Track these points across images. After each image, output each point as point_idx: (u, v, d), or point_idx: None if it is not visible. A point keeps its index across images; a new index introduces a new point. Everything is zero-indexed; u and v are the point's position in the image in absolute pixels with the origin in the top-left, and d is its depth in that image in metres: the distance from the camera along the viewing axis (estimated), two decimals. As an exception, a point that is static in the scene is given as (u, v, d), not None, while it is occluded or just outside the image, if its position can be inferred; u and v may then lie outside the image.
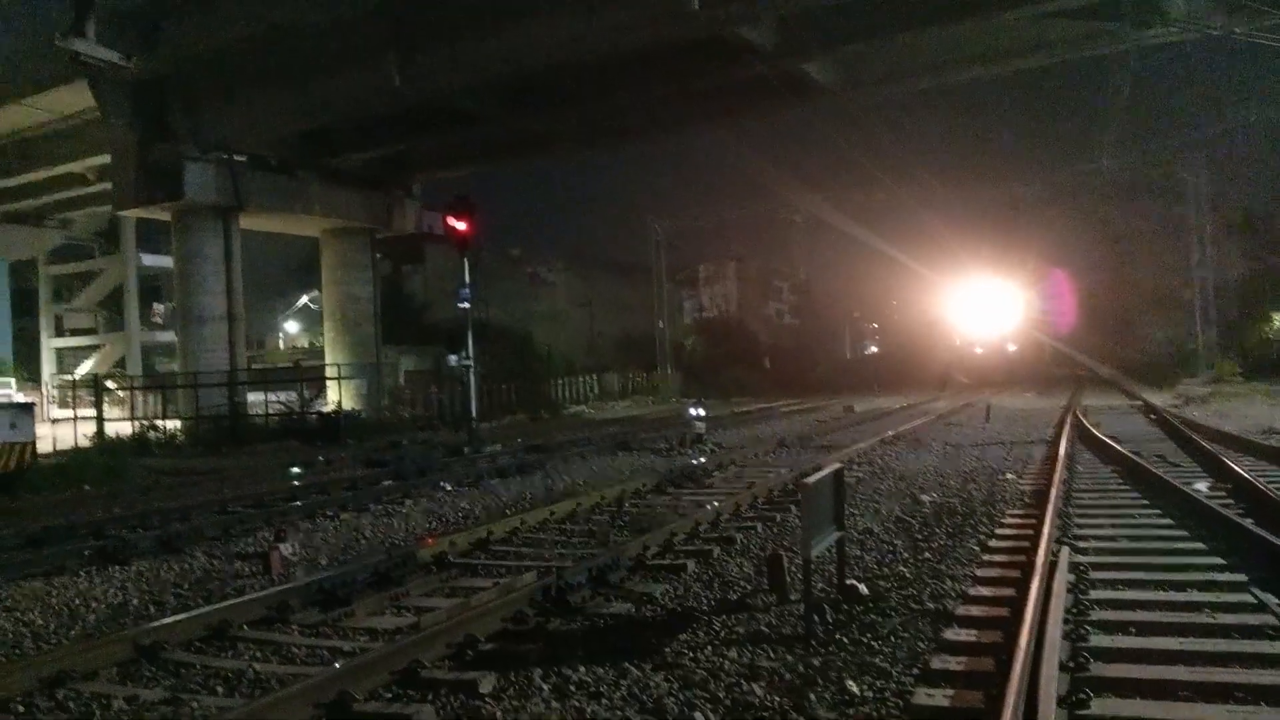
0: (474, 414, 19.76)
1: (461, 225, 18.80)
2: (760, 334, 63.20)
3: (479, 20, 22.52)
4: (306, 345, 50.62)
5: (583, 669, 4.97)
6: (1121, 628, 5.24)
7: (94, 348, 47.99)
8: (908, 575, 6.76)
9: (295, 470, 16.44)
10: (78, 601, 7.06)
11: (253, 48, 24.63)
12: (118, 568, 8.25)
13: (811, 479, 5.81)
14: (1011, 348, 56.73)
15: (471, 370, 19.65)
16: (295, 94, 25.55)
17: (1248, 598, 5.66)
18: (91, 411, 28.13)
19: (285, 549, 8.55)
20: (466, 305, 19.49)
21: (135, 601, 7.05)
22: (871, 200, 44.46)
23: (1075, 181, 46.33)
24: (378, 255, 36.08)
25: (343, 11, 23.06)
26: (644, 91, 26.32)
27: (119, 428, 26.69)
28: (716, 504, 9.85)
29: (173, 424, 26.57)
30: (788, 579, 6.33)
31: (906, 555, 7.48)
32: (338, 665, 5.00)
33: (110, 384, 35.14)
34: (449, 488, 12.98)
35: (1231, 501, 9.06)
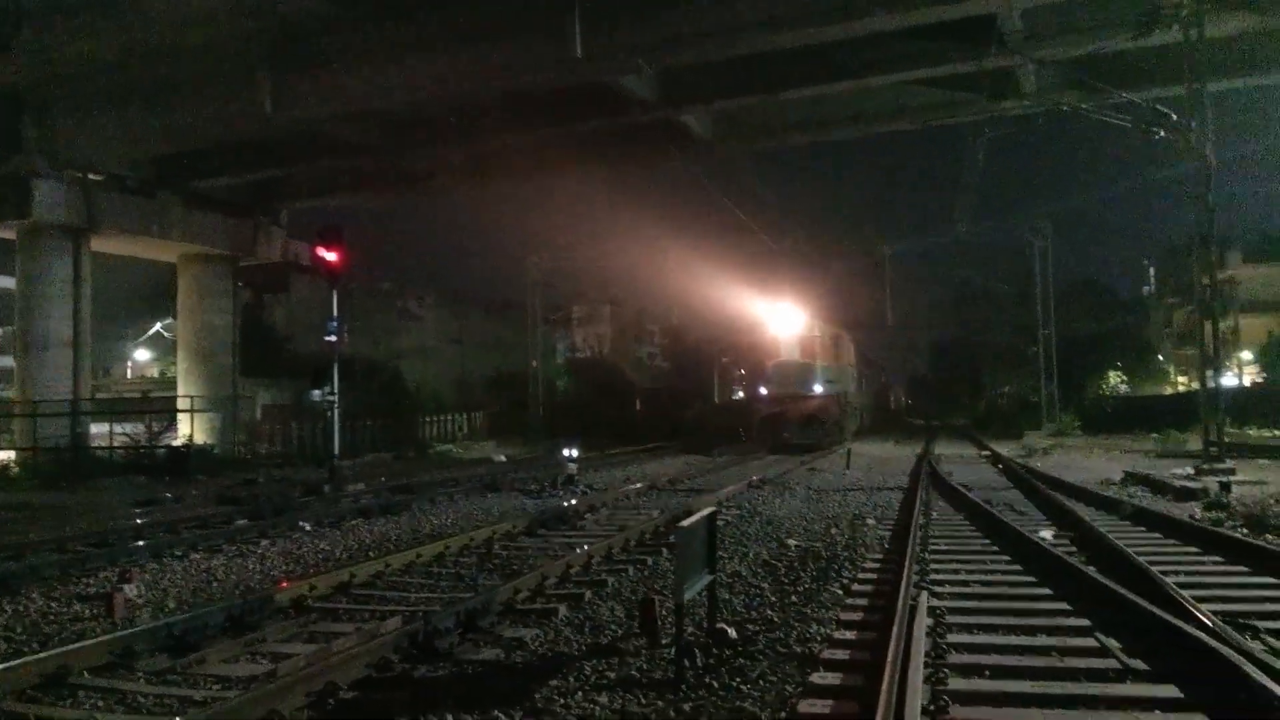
0: (336, 451, 19.17)
1: (331, 256, 18.36)
2: (632, 376, 63.66)
3: (358, 52, 22.21)
4: (157, 375, 48.29)
5: (450, 716, 4.84)
6: (978, 671, 5.44)
7: (-81, 371, 44.59)
8: (775, 619, 6.86)
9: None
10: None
11: (117, 64, 23.58)
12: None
13: (685, 523, 5.85)
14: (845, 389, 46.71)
15: (335, 406, 19.08)
16: (160, 114, 24.54)
17: (1092, 642, 5.97)
18: (-86, 440, 26.10)
19: (130, 590, 8.08)
20: (333, 339, 18.98)
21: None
22: (742, 250, 45.50)
23: (935, 243, 48.60)
24: (239, 284, 34.82)
25: (217, 34, 22.36)
26: (525, 131, 26.43)
27: (-55, 458, 24.83)
28: (588, 547, 9.81)
29: (7, 455, 24.89)
30: (659, 623, 6.34)
31: (773, 599, 7.60)
32: (184, 715, 4.73)
33: (-64, 411, 32.63)
34: (308, 528, 12.52)
35: (1075, 549, 9.55)
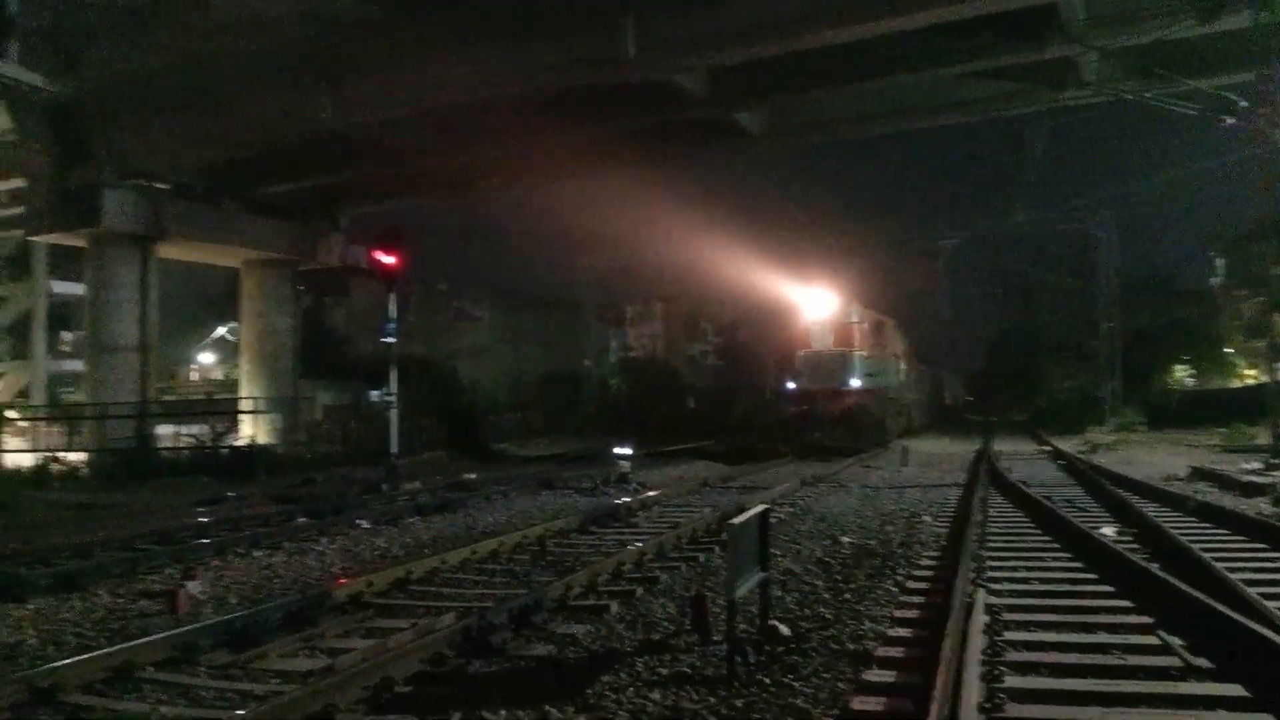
0: (394, 450, 19.42)
1: (389, 259, 18.60)
2: (685, 374, 63.53)
3: (409, 55, 22.49)
4: (221, 378, 49.38)
5: (503, 711, 4.89)
6: (1035, 669, 5.36)
7: (-4, 375, 46.09)
8: (828, 616, 6.82)
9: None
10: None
11: (177, 74, 24.18)
12: (13, 606, 7.87)
13: (737, 520, 5.84)
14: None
15: (393, 406, 19.34)
16: (220, 122, 25.10)
17: (1154, 640, 5.84)
18: (-9, 442, 26.99)
19: (193, 587, 8.27)
20: (391, 340, 19.25)
21: (33, 641, 6.72)
22: (796, 245, 45.20)
23: (990, 234, 47.81)
24: (300, 287, 35.48)
25: (269, 42, 22.81)
26: (577, 130, 26.53)
27: (19, 459, 25.62)
28: (640, 544, 9.82)
29: (77, 456, 25.62)
30: (711, 619, 6.33)
31: (827, 596, 7.55)
32: (245, 710, 4.83)
33: (11, 413, 33.71)
34: (366, 525, 12.71)
35: (1138, 545, 9.35)
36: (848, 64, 22.60)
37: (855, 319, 27.90)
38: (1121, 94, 21.15)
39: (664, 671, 5.59)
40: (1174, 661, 5.39)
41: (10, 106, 26.09)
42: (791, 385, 27.95)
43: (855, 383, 27.28)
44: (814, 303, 28.14)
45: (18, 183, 29.98)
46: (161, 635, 6.28)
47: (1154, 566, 7.76)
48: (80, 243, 29.17)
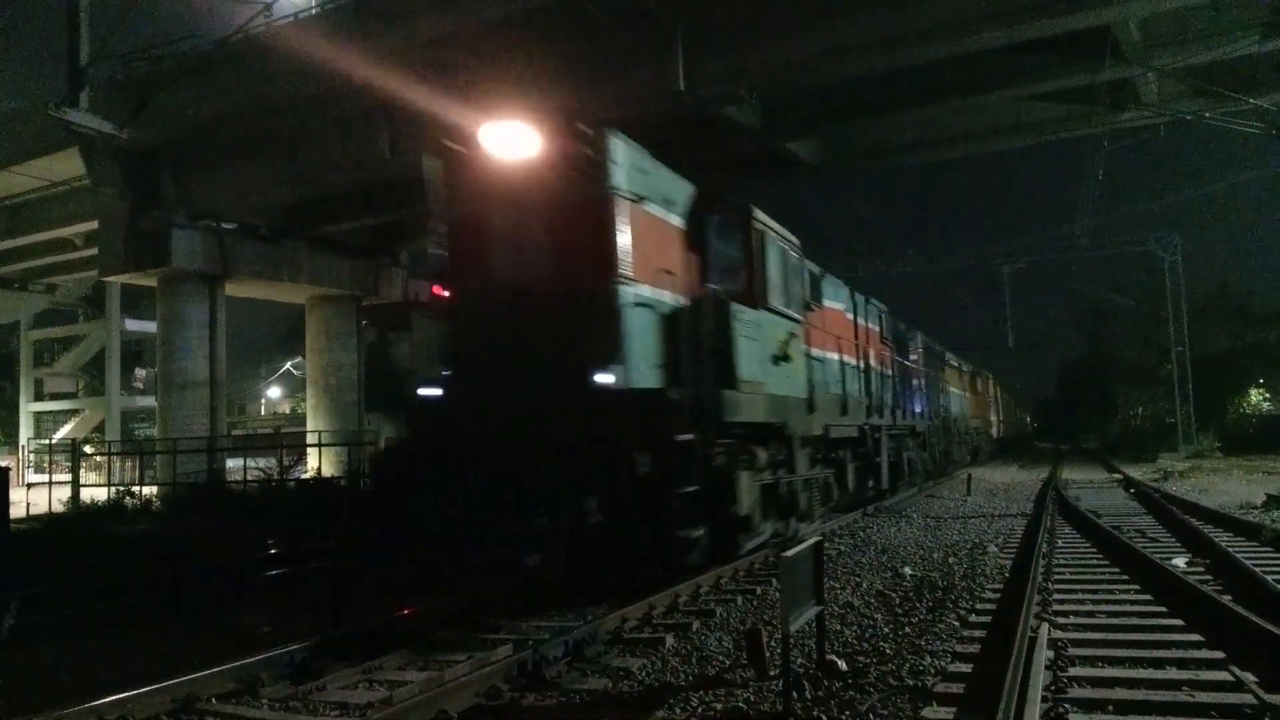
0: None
1: (447, 293, 18.88)
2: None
3: (464, 95, 22.90)
4: (289, 411, 50.48)
5: (557, 746, 4.89)
6: (1100, 705, 5.21)
7: (73, 412, 47.67)
8: (887, 650, 6.71)
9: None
10: (38, 675, 6.91)
11: (244, 118, 24.94)
12: (88, 640, 8.09)
13: (790, 552, 5.79)
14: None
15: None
16: (285, 164, 25.81)
17: (1226, 675, 5.64)
18: (68, 477, 27.81)
19: (259, 619, 8.42)
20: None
21: (101, 674, 6.90)
22: (853, 273, 44.91)
23: (1053, 258, 46.98)
24: (363, 322, 36.17)
25: (336, 85, 23.40)
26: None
27: (95, 493, 26.37)
28: (696, 577, 9.77)
29: (150, 490, 26.29)
30: (767, 654, 6.27)
31: (886, 630, 7.43)
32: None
33: (88, 449, 34.79)
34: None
35: (1210, 577, 9.06)
36: (901, 91, 22.50)
37: (625, 186, 9.45)
38: (1181, 114, 20.73)
39: (719, 706, 5.55)
40: (1247, 699, 5.20)
41: (84, 153, 27.15)
42: (431, 391, 10.96)
43: (608, 378, 8.47)
44: (497, 140, 9.69)
45: (91, 225, 31.15)
46: (225, 667, 6.40)
47: (1227, 599, 7.52)
48: (151, 283, 30.12)
